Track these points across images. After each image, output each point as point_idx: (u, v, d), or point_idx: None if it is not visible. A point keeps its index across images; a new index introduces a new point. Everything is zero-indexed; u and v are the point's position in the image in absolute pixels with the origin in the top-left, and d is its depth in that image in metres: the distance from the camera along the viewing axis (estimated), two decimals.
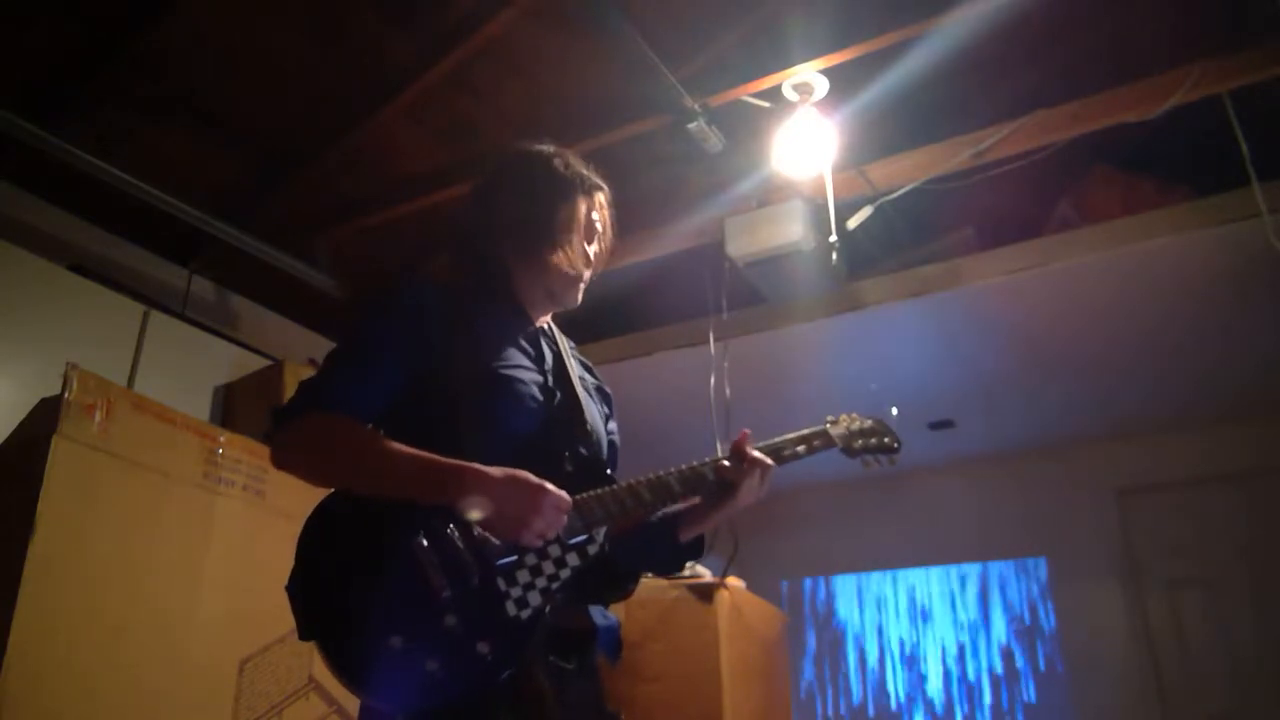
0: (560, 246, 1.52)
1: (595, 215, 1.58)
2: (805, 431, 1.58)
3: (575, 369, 1.57)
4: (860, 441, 1.62)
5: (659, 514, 1.51)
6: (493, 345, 1.45)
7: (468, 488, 1.27)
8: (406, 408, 1.39)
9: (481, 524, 1.27)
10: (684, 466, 1.45)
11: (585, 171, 1.58)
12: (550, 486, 1.29)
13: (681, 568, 1.65)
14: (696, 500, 1.50)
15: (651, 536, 1.52)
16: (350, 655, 1.21)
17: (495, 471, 1.28)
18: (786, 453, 1.54)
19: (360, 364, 1.41)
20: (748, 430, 1.49)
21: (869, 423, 1.65)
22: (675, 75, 2.89)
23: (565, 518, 1.30)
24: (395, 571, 1.24)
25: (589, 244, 1.57)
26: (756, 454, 1.48)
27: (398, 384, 1.40)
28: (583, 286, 1.58)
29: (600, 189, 1.60)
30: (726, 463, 1.47)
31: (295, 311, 4.07)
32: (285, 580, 1.28)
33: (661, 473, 1.42)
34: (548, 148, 1.60)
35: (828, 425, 1.61)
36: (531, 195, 1.55)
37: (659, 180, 3.43)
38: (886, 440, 1.64)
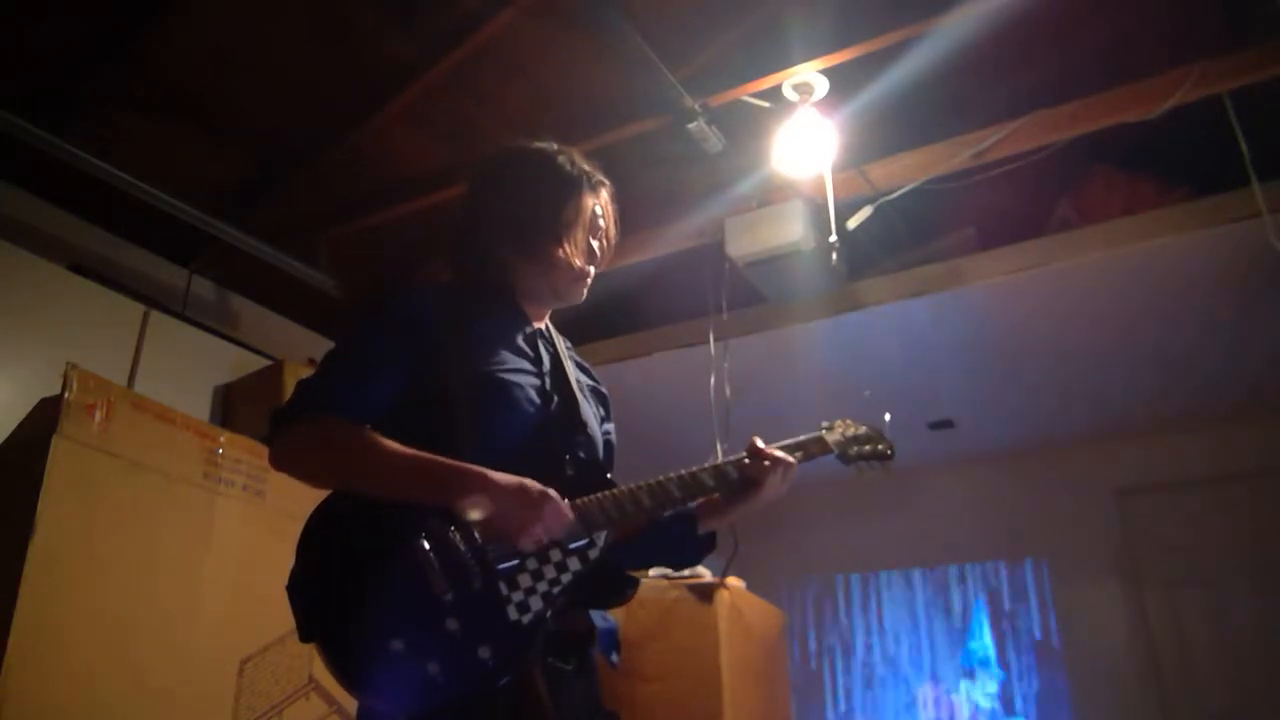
0: (566, 242, 1.52)
1: (599, 210, 1.58)
2: (802, 438, 1.59)
3: (572, 371, 1.57)
4: (855, 449, 1.63)
5: (675, 510, 1.51)
6: (490, 348, 1.45)
7: (471, 489, 1.27)
8: (405, 411, 1.39)
9: (482, 526, 1.27)
10: (683, 472, 1.45)
11: (589, 168, 1.58)
12: (554, 494, 1.29)
13: (698, 562, 1.67)
14: (714, 497, 1.52)
15: (669, 531, 1.54)
16: (351, 657, 1.21)
17: (501, 476, 1.29)
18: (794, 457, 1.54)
19: (358, 367, 1.41)
20: (757, 439, 1.52)
21: (863, 429, 1.65)
22: (675, 75, 2.89)
23: (565, 529, 1.30)
24: (397, 573, 1.24)
25: (594, 239, 1.57)
26: (779, 452, 1.50)
27: (395, 388, 1.40)
28: (588, 282, 1.58)
29: (605, 185, 1.60)
30: (748, 461, 1.49)
31: (295, 311, 4.07)
32: (285, 580, 1.28)
33: (661, 478, 1.42)
34: (550, 145, 1.60)
35: (823, 431, 1.62)
36: (536, 193, 1.54)
37: (659, 180, 3.43)
38: (880, 447, 1.64)
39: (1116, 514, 4.51)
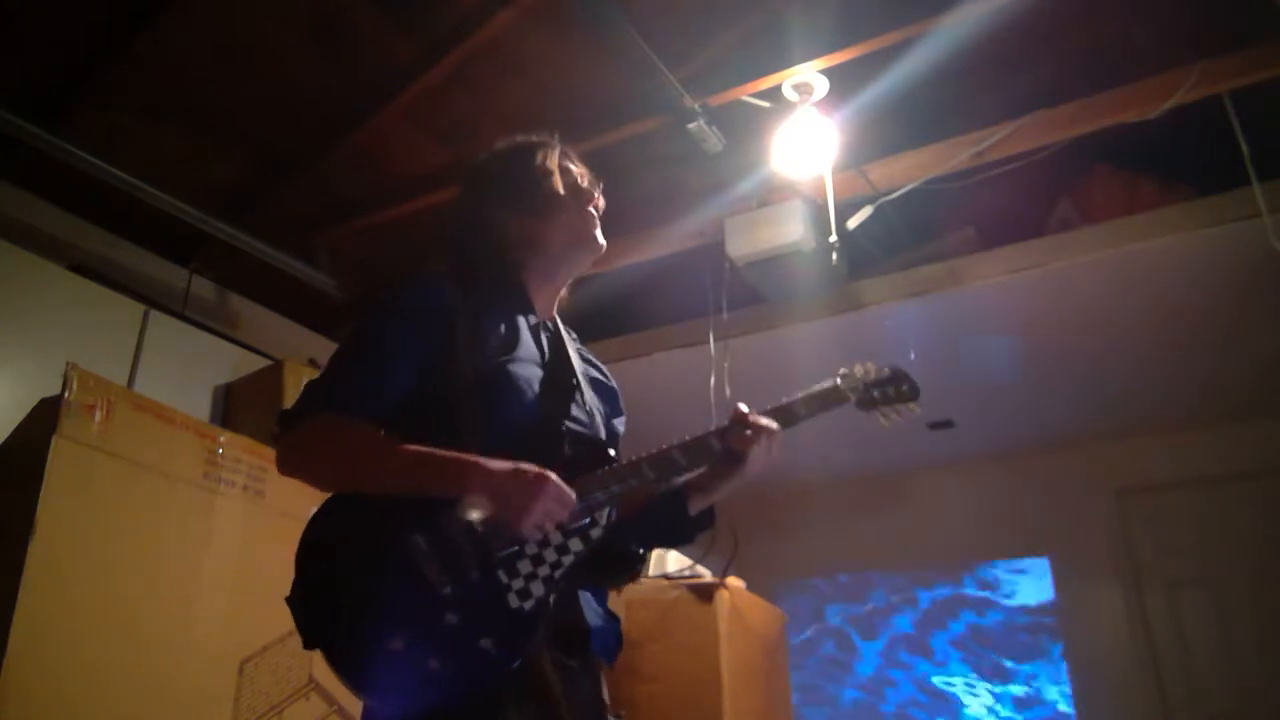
0: (556, 180, 1.57)
1: (565, 157, 1.63)
2: (815, 389, 1.51)
3: (578, 363, 1.58)
4: (877, 391, 1.54)
5: (665, 487, 1.48)
6: (500, 339, 1.45)
7: (467, 478, 1.27)
8: (412, 402, 1.39)
9: (485, 516, 1.26)
10: (687, 438, 1.42)
11: (536, 137, 1.65)
12: (553, 476, 1.28)
13: (693, 539, 1.61)
14: (702, 471, 1.47)
15: (660, 510, 1.51)
16: (353, 659, 1.21)
17: (497, 463, 1.28)
18: (799, 414, 1.48)
19: (367, 364, 1.41)
20: (741, 405, 1.45)
21: (885, 371, 1.55)
22: (675, 75, 2.89)
23: (567, 509, 1.28)
24: (394, 572, 1.24)
25: (577, 178, 1.61)
26: (763, 420, 1.43)
27: (405, 380, 1.40)
28: (597, 216, 1.60)
29: (554, 143, 1.65)
30: (729, 428, 1.42)
31: (295, 311, 4.07)
32: (286, 579, 1.28)
33: (665, 446, 1.40)
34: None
35: (839, 379, 1.54)
36: (518, 156, 1.61)
37: (659, 181, 3.43)
38: (905, 389, 1.54)
39: (1117, 514, 4.51)
